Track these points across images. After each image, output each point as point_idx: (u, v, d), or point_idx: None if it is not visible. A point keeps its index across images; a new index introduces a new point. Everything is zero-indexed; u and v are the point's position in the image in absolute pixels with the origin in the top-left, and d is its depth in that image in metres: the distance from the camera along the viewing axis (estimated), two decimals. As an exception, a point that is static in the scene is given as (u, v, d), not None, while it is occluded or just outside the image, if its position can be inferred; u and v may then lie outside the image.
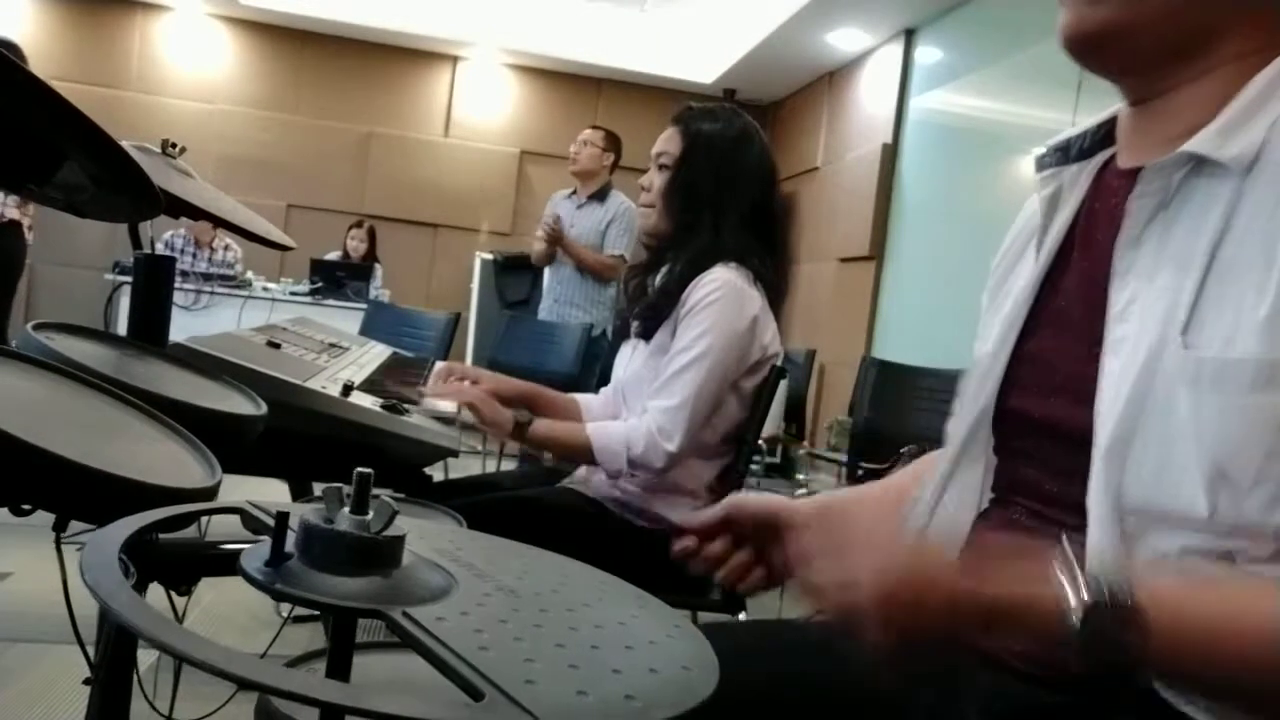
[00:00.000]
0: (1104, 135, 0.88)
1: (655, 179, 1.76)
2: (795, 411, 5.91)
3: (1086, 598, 0.61)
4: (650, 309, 1.74)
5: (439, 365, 1.95)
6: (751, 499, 1.05)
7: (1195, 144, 0.73)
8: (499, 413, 1.68)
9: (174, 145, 1.58)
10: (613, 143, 4.34)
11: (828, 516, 1.03)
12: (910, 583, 0.68)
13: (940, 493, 0.92)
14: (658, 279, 1.76)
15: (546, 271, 4.48)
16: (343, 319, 4.72)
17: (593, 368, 4.14)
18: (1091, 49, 0.80)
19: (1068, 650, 0.62)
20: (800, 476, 5.94)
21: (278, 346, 1.84)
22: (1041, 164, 0.92)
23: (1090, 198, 0.86)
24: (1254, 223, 0.70)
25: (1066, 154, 0.90)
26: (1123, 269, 0.77)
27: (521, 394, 1.82)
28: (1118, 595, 0.61)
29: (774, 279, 1.74)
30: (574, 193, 4.37)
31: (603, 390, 1.92)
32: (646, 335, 1.75)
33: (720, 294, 1.64)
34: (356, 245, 6.32)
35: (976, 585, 0.66)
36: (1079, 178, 0.89)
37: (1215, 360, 0.69)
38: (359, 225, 6.42)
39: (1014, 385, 0.87)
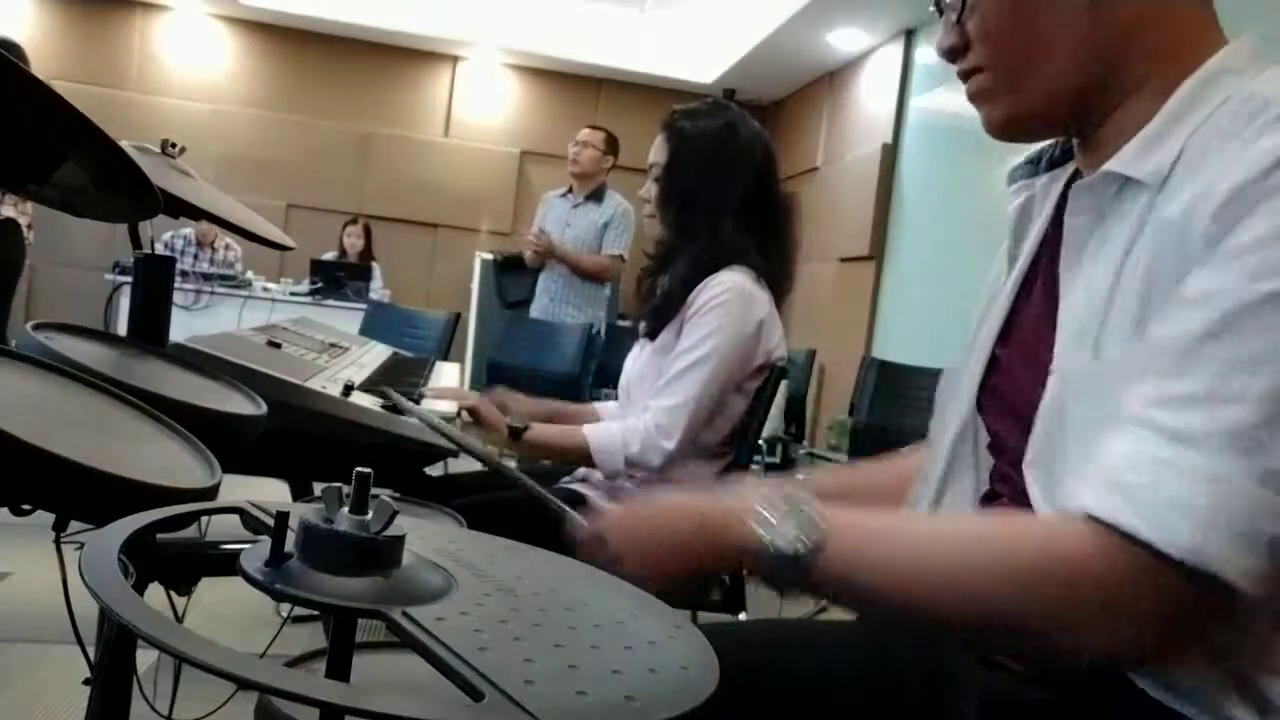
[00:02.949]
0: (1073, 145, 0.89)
1: (651, 190, 1.77)
2: (795, 411, 5.90)
3: (775, 520, 0.75)
4: (656, 310, 1.75)
5: (438, 367, 1.95)
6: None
7: (1114, 163, 0.74)
8: (495, 418, 1.71)
9: (174, 145, 1.58)
10: (612, 144, 4.34)
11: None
12: (638, 507, 0.86)
13: (938, 498, 0.92)
14: (664, 281, 1.77)
15: (542, 271, 4.49)
16: (343, 319, 4.71)
17: (591, 367, 4.14)
18: (1011, 135, 0.84)
19: (759, 563, 0.75)
20: (800, 477, 5.93)
21: (278, 346, 1.84)
22: (1012, 177, 0.94)
23: (1059, 209, 0.86)
24: (1157, 235, 0.70)
25: (1037, 166, 0.92)
26: (1065, 290, 0.78)
27: (548, 414, 1.83)
28: (803, 520, 0.74)
29: (779, 274, 1.74)
30: (569, 191, 4.37)
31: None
32: (652, 335, 1.77)
33: (727, 297, 1.65)
34: (353, 242, 6.31)
35: (691, 501, 0.82)
36: (1050, 188, 0.89)
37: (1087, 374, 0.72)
38: (354, 222, 6.41)
39: (987, 395, 0.88)
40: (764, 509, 0.76)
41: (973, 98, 0.84)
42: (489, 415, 1.71)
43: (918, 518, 0.78)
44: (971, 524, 0.76)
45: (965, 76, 0.84)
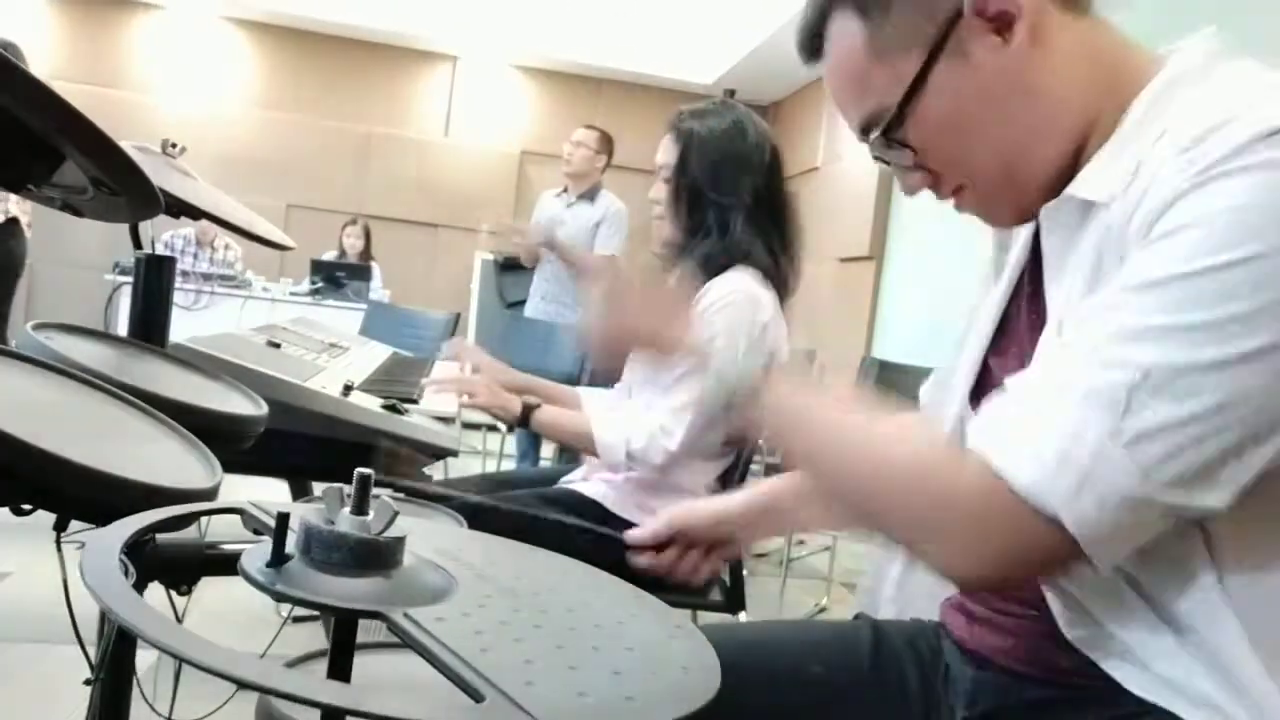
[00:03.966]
0: None
1: (661, 191, 1.77)
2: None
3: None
4: None
5: (448, 344, 1.96)
6: (694, 517, 1.15)
7: (1073, 186, 0.75)
8: (503, 398, 1.75)
9: (174, 145, 1.58)
10: (605, 144, 4.34)
11: (768, 515, 1.14)
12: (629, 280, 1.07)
13: None
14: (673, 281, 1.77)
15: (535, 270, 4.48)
16: (343, 319, 4.72)
17: (588, 367, 4.14)
18: (1021, 223, 0.85)
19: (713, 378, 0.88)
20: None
21: (278, 346, 1.84)
22: None
23: (1038, 225, 0.86)
24: (1106, 243, 0.71)
25: None
26: (1051, 305, 0.79)
27: (521, 386, 1.85)
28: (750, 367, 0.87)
29: (786, 274, 1.74)
30: (564, 191, 4.37)
31: (616, 387, 1.93)
32: None
33: (733, 299, 1.65)
34: (353, 243, 6.31)
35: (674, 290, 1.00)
36: None
37: None
38: (353, 223, 6.41)
39: (980, 402, 0.88)
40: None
41: (969, 210, 0.84)
42: (493, 401, 1.75)
43: (855, 409, 0.84)
44: (887, 425, 0.80)
45: (949, 196, 0.83)
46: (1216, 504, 0.64)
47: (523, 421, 1.75)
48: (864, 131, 0.82)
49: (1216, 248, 0.62)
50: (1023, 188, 0.79)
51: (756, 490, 1.15)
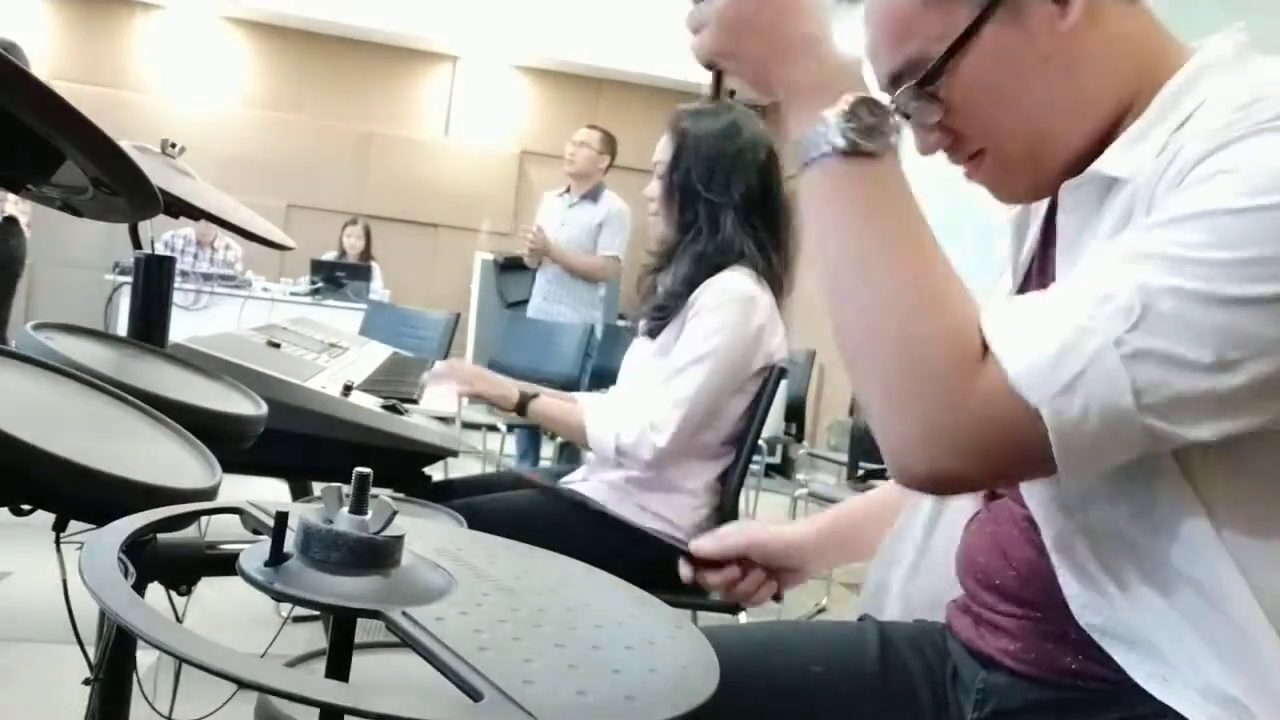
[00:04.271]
0: None
1: (655, 188, 1.78)
2: (795, 412, 5.90)
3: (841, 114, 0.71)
4: (657, 309, 1.76)
5: (439, 365, 2.00)
6: (771, 541, 1.07)
7: (1100, 163, 0.74)
8: (501, 385, 1.82)
9: (174, 145, 1.58)
10: (609, 144, 4.34)
11: (841, 545, 1.09)
12: None
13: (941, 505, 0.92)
14: (666, 280, 1.78)
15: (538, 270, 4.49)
16: (343, 319, 4.71)
17: (588, 368, 4.14)
18: (1031, 201, 0.85)
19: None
20: (800, 477, 5.94)
21: (278, 346, 1.84)
22: None
23: (1053, 208, 0.86)
24: (1126, 212, 0.71)
25: None
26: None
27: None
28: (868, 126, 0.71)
29: (781, 274, 1.74)
30: (567, 191, 4.37)
31: (611, 390, 1.93)
32: (652, 334, 1.78)
33: (729, 298, 1.66)
34: (354, 243, 6.31)
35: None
36: None
37: None
38: (354, 223, 6.41)
39: None
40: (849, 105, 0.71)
41: (982, 180, 0.83)
42: (491, 393, 1.81)
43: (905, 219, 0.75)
44: (939, 270, 0.72)
45: (965, 162, 0.82)
46: (1200, 438, 0.63)
47: (519, 409, 1.79)
48: (894, 80, 0.80)
49: (1252, 191, 0.61)
50: (1044, 164, 0.78)
51: (830, 518, 1.11)
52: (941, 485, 0.73)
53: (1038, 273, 0.85)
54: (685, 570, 1.07)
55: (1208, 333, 0.61)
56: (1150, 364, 0.61)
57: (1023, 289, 0.87)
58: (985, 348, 0.66)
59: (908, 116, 0.79)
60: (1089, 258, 0.73)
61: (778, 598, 1.10)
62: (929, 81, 0.77)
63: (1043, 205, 0.88)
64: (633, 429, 1.65)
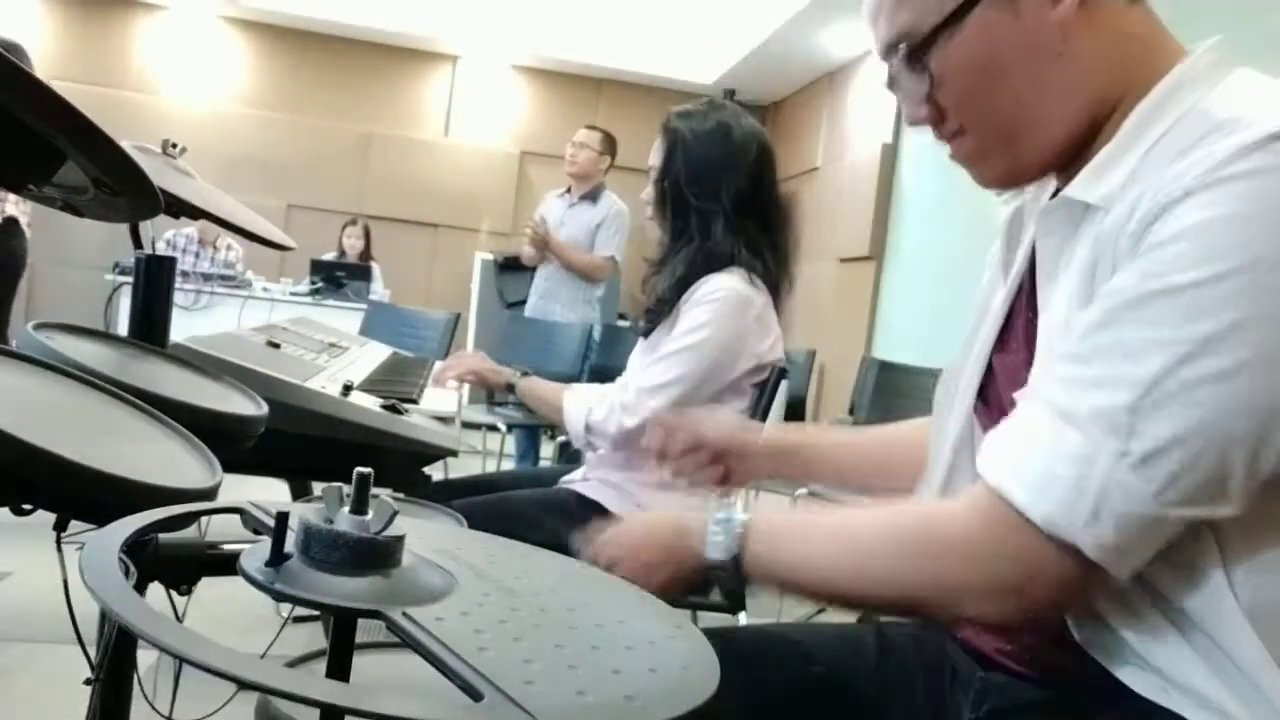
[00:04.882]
0: None
1: (650, 193, 1.79)
2: (795, 411, 5.89)
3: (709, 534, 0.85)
4: (650, 312, 1.77)
5: (438, 366, 2.05)
6: (709, 433, 1.18)
7: (1071, 188, 0.75)
8: (493, 376, 1.95)
9: (174, 145, 1.58)
10: (609, 145, 4.34)
11: (787, 460, 1.15)
12: (634, 523, 0.96)
13: (944, 488, 0.92)
14: (659, 283, 1.79)
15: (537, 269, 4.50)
16: (343, 319, 4.71)
17: (587, 368, 4.15)
18: (1006, 188, 0.87)
19: (706, 570, 0.86)
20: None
21: (278, 346, 1.84)
22: None
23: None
24: (1100, 248, 0.71)
25: None
26: (1043, 306, 0.79)
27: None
28: (727, 530, 0.84)
29: (776, 275, 1.75)
30: (567, 191, 4.38)
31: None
32: (646, 333, 1.79)
33: (717, 297, 1.66)
34: (354, 243, 6.31)
35: (675, 517, 0.92)
36: (1040, 195, 0.89)
37: None
38: (353, 223, 6.41)
39: (984, 402, 0.88)
40: (707, 525, 0.86)
41: (961, 159, 0.84)
42: (486, 375, 1.95)
43: (831, 513, 0.84)
44: (873, 515, 0.81)
45: (947, 138, 0.83)
46: (1228, 512, 0.65)
47: (510, 387, 1.90)
48: (889, 48, 0.82)
49: (1198, 262, 0.63)
50: (1020, 151, 0.79)
51: (796, 439, 1.17)
52: (1023, 619, 0.76)
53: (1028, 287, 0.85)
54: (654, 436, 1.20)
55: (1195, 412, 0.63)
56: (1157, 463, 0.64)
57: (1016, 298, 0.87)
58: (989, 492, 0.69)
59: (900, 86, 0.82)
60: (1068, 311, 0.74)
61: (723, 488, 1.20)
62: (920, 53, 0.78)
63: (1041, 202, 0.88)
64: (603, 407, 1.69)
